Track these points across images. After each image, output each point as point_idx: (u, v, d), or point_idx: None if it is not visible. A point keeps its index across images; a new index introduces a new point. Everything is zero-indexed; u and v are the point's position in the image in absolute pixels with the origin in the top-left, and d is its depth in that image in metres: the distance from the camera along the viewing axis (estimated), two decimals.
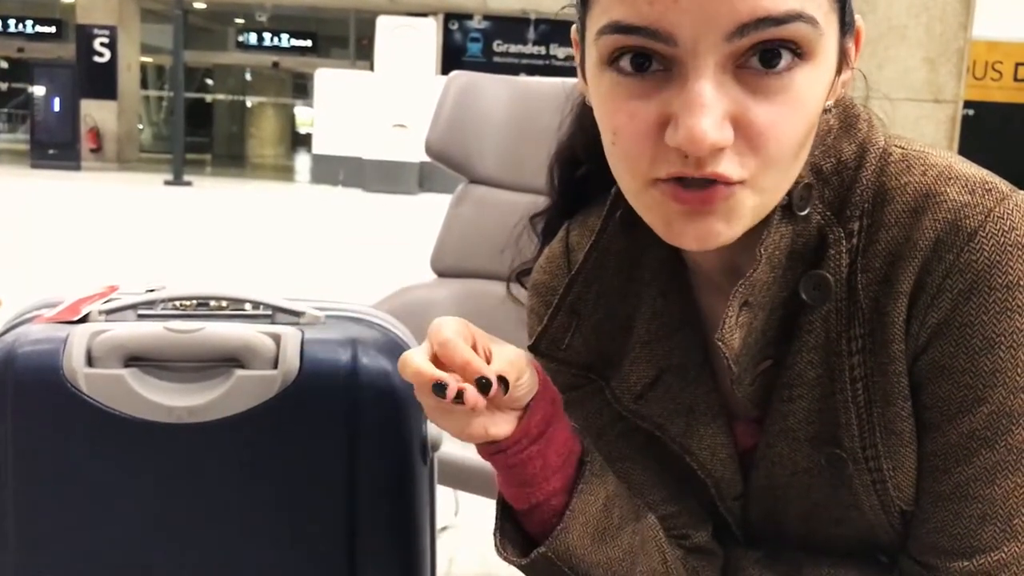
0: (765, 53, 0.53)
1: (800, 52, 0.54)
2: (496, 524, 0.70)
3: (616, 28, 0.54)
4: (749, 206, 0.57)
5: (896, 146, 0.65)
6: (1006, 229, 0.59)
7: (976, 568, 0.61)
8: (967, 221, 0.59)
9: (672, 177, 0.56)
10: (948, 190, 0.61)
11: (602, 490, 0.68)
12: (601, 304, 0.72)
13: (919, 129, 2.42)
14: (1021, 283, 0.58)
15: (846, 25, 0.59)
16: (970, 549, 0.61)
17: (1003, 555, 0.60)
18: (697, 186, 0.55)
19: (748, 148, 0.55)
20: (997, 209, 0.59)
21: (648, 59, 0.55)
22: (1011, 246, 0.58)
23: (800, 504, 0.69)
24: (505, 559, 0.68)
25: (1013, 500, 0.59)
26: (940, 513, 0.62)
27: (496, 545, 0.69)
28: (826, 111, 0.62)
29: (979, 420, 0.60)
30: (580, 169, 0.77)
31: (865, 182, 0.63)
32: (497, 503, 0.70)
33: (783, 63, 0.53)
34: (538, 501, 0.66)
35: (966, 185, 0.61)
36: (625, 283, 0.72)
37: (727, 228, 0.57)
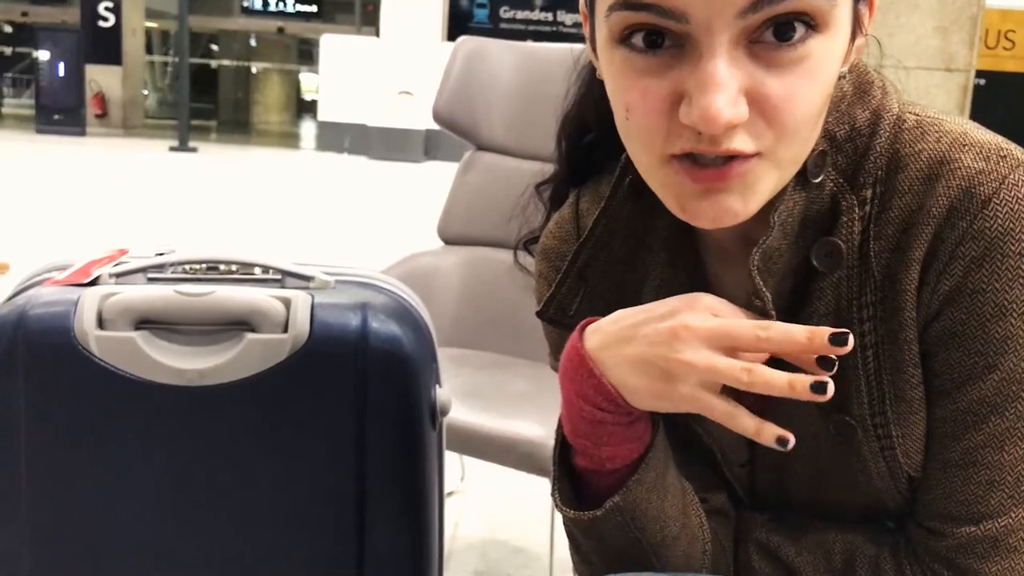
0: (779, 27, 0.53)
1: (814, 24, 0.53)
2: (555, 484, 0.68)
3: (627, 5, 0.54)
4: (766, 180, 0.57)
5: (910, 113, 0.64)
6: (1020, 196, 0.58)
7: (983, 533, 0.61)
8: (981, 188, 0.59)
9: (686, 153, 0.56)
10: (962, 157, 0.60)
11: (664, 445, 0.68)
12: (609, 271, 0.72)
13: (930, 98, 2.40)
14: None
15: None
16: (977, 515, 0.61)
17: (1010, 520, 0.60)
18: (712, 164, 0.55)
19: (764, 122, 0.54)
20: (1012, 176, 0.59)
21: (661, 36, 0.54)
22: None
23: (807, 470, 0.69)
24: (572, 515, 0.66)
25: (1022, 466, 0.60)
26: (948, 479, 0.63)
27: (557, 503, 0.68)
28: (841, 77, 0.61)
29: (989, 387, 0.60)
30: (587, 136, 0.76)
31: (879, 149, 0.63)
32: (557, 462, 0.68)
33: (797, 35, 0.53)
34: (639, 453, 0.64)
35: (981, 152, 0.60)
36: (634, 251, 0.72)
37: (743, 205, 0.57)
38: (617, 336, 0.61)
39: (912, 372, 0.63)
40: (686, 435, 0.72)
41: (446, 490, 0.98)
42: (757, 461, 0.72)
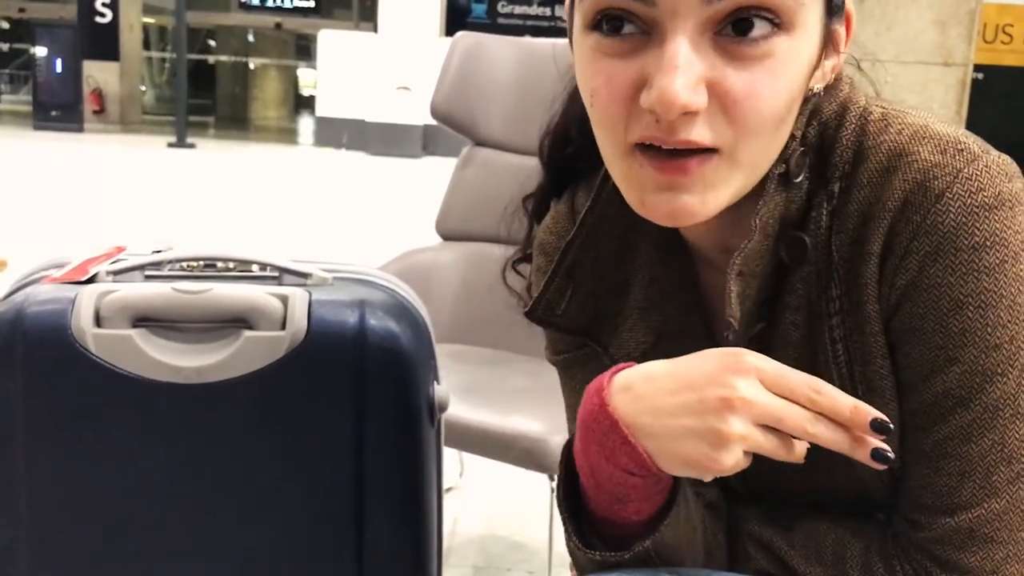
0: (739, 22, 0.53)
1: (778, 22, 0.54)
2: (569, 531, 0.66)
3: None
4: (727, 182, 0.57)
5: (877, 106, 0.64)
6: (973, 190, 0.58)
7: (958, 524, 0.61)
8: (935, 182, 0.59)
9: (645, 141, 0.56)
10: (920, 149, 0.60)
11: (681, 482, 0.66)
12: (597, 269, 0.72)
13: (928, 92, 2.40)
14: (987, 244, 0.58)
15: (833, 6, 0.58)
16: (951, 506, 0.62)
17: (983, 511, 0.61)
18: (673, 156, 0.55)
19: (724, 116, 0.55)
20: (966, 170, 0.59)
21: (630, 21, 0.55)
22: (978, 207, 0.58)
23: (795, 463, 0.70)
24: (598, 557, 0.64)
25: (991, 457, 0.60)
26: (922, 471, 0.63)
27: (576, 548, 0.65)
28: (815, 94, 0.61)
29: (952, 380, 0.60)
30: (569, 148, 0.76)
31: (845, 142, 0.63)
32: (563, 508, 0.66)
33: (757, 31, 0.53)
34: (649, 514, 0.62)
35: (938, 145, 0.60)
36: (621, 249, 0.72)
37: (701, 204, 0.57)
38: (655, 401, 0.58)
39: (881, 363, 0.63)
40: None
41: (445, 486, 0.98)
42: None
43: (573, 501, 0.66)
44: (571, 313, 0.73)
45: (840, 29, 0.61)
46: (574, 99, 0.74)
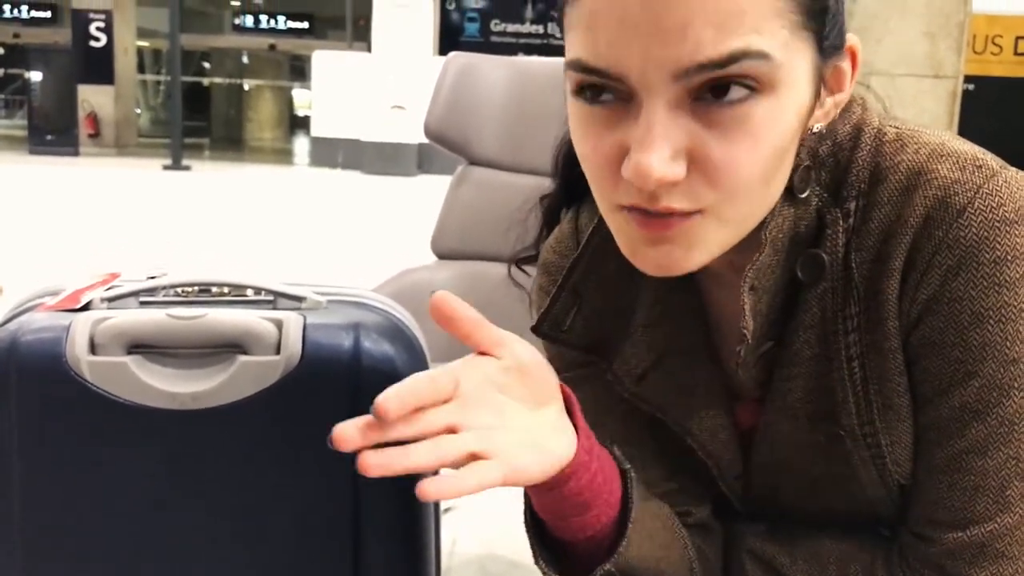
0: (715, 88, 0.53)
1: (755, 86, 0.54)
2: (535, 549, 0.69)
3: (578, 66, 0.56)
4: (711, 237, 0.58)
5: (891, 126, 0.65)
6: (994, 205, 0.59)
7: (970, 539, 0.61)
8: (956, 198, 0.60)
9: (630, 206, 0.57)
10: (939, 167, 0.61)
11: (641, 490, 0.68)
12: (603, 287, 0.73)
13: (919, 104, 2.41)
14: (1009, 258, 0.59)
15: (826, 49, 0.58)
16: (964, 520, 0.62)
17: (996, 526, 0.61)
18: (656, 216, 0.57)
19: (704, 181, 0.55)
20: (986, 186, 0.60)
21: (610, 90, 0.56)
22: (999, 222, 0.59)
23: (800, 480, 0.70)
24: None
25: (1005, 471, 0.60)
26: (935, 485, 0.63)
27: (542, 570, 0.69)
28: (814, 133, 0.62)
29: (970, 393, 0.60)
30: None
31: (861, 162, 0.64)
32: (529, 529, 0.69)
33: (735, 95, 0.53)
34: (600, 523, 0.65)
35: (957, 162, 0.61)
36: (627, 267, 0.72)
37: (686, 256, 0.58)
38: None
39: (898, 380, 0.63)
40: (680, 449, 0.73)
41: (444, 506, 0.98)
42: (752, 472, 0.72)
43: (542, 533, 0.68)
44: (577, 329, 0.73)
45: (843, 65, 0.61)
46: None
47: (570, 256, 0.76)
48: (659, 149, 0.53)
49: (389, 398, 0.53)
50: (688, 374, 0.71)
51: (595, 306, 0.73)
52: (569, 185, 0.79)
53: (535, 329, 0.74)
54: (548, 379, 0.63)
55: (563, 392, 0.64)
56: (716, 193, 0.56)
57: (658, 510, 0.70)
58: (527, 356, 0.62)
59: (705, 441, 0.71)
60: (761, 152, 0.55)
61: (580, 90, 0.57)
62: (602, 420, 0.73)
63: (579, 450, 0.62)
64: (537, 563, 0.69)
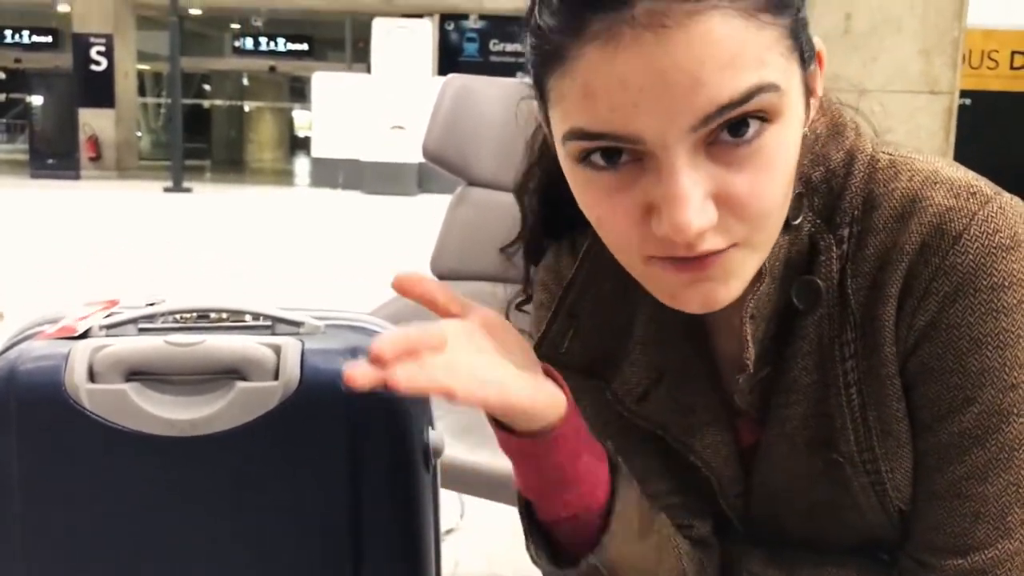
0: (733, 126, 0.53)
1: (766, 117, 0.54)
2: (527, 533, 0.68)
3: (581, 135, 0.55)
4: (746, 264, 0.58)
5: (884, 152, 0.65)
6: (990, 232, 0.59)
7: (971, 566, 0.61)
8: (952, 225, 0.60)
9: (662, 256, 0.57)
10: (934, 195, 0.61)
11: (632, 490, 0.68)
12: (599, 307, 0.73)
13: (915, 121, 2.41)
14: (1006, 284, 0.59)
15: (806, 60, 0.58)
16: (964, 547, 0.61)
17: (996, 552, 0.61)
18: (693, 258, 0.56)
19: (734, 217, 0.55)
20: (981, 212, 0.60)
21: (620, 152, 0.55)
22: (995, 248, 0.59)
23: (800, 503, 0.70)
24: (549, 570, 0.67)
25: (1006, 498, 0.60)
26: (935, 511, 0.63)
27: (532, 557, 0.68)
28: (805, 137, 0.62)
29: (970, 419, 0.60)
30: (555, 195, 0.76)
31: (854, 189, 0.64)
32: (521, 511, 0.69)
33: (751, 131, 0.54)
34: (584, 506, 0.64)
35: (951, 189, 0.61)
36: (622, 287, 0.72)
37: (726, 290, 0.58)
38: None
39: (896, 406, 0.63)
40: (682, 466, 0.73)
41: (446, 528, 0.98)
42: (752, 492, 0.72)
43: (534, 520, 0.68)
44: (574, 351, 0.73)
45: (814, 68, 0.61)
46: (545, 152, 0.73)
47: (567, 275, 0.76)
48: (692, 202, 0.53)
49: (383, 342, 0.53)
50: (688, 392, 0.71)
51: (591, 327, 0.73)
52: (548, 224, 0.78)
53: (535, 351, 0.74)
54: (522, 345, 0.63)
55: (547, 371, 0.64)
56: (746, 225, 0.56)
57: (653, 515, 0.70)
58: (493, 316, 0.63)
59: (708, 457, 0.71)
60: (779, 178, 0.56)
61: (585, 157, 0.56)
62: (604, 432, 0.73)
63: (568, 416, 0.62)
64: (528, 548, 0.69)
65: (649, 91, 0.51)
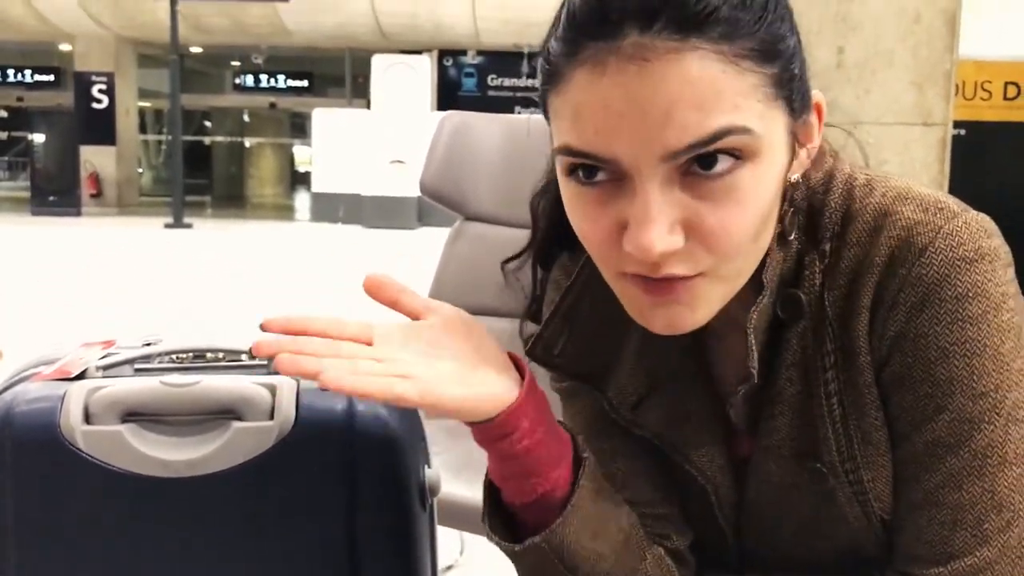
0: (702, 159, 0.56)
1: (739, 155, 0.57)
2: (485, 509, 0.71)
3: (569, 152, 0.59)
4: (711, 294, 0.61)
5: (862, 173, 0.68)
6: (954, 245, 0.62)
7: (951, 573, 0.62)
8: (918, 238, 0.62)
9: (632, 273, 0.60)
10: (903, 209, 0.64)
11: (597, 485, 0.70)
12: (595, 314, 0.74)
13: (909, 153, 2.43)
14: (970, 295, 0.61)
15: (796, 110, 0.61)
16: (944, 555, 0.62)
17: (975, 560, 0.62)
18: (658, 281, 0.59)
19: (701, 247, 0.58)
20: (947, 226, 0.62)
21: (600, 169, 0.59)
22: (959, 260, 0.61)
23: (791, 519, 0.71)
24: (496, 543, 0.70)
25: (981, 505, 0.61)
26: (914, 521, 0.64)
27: (487, 530, 0.71)
28: (792, 184, 0.65)
29: (941, 427, 0.62)
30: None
31: (833, 205, 0.67)
32: (485, 489, 0.71)
33: (721, 166, 0.56)
34: (544, 491, 0.66)
35: (920, 204, 0.64)
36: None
37: (692, 314, 0.61)
38: None
39: (875, 415, 0.65)
40: (676, 477, 0.73)
41: (446, 564, 0.97)
42: (745, 506, 0.72)
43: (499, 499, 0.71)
44: (568, 355, 0.75)
45: (811, 119, 0.64)
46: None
47: (569, 279, 0.77)
48: (658, 225, 0.56)
49: (274, 317, 0.59)
50: (684, 401, 0.73)
51: (586, 333, 0.75)
52: (558, 234, 0.80)
53: (529, 353, 0.75)
54: (484, 339, 0.66)
55: (513, 359, 0.67)
56: (712, 257, 0.58)
57: (620, 514, 0.71)
58: (454, 314, 0.67)
59: (704, 466, 0.72)
60: (750, 216, 0.58)
61: (572, 171, 0.60)
62: (596, 444, 0.74)
63: (521, 403, 0.64)
64: (483, 520, 0.71)
65: (627, 118, 0.55)
